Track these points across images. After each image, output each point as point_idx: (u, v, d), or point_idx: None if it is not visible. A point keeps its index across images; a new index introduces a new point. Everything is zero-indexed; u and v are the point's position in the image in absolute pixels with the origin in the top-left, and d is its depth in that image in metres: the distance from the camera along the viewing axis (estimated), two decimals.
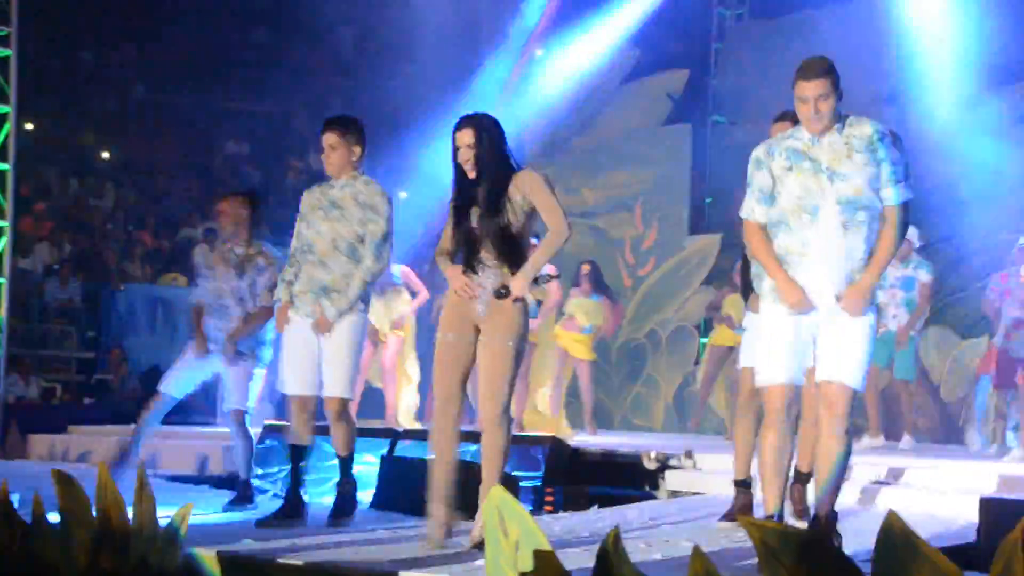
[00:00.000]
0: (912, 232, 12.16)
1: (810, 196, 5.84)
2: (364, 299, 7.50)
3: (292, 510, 7.44)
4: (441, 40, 18.57)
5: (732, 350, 12.92)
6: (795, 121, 6.53)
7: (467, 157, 6.28)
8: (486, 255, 6.30)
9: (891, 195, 5.86)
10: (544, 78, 19.04)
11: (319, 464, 8.71)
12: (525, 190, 6.28)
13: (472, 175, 6.31)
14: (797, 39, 15.71)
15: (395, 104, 20.95)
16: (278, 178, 23.42)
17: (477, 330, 6.36)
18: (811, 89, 5.83)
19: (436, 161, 19.09)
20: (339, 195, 7.45)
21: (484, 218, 6.28)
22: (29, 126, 20.53)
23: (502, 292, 6.27)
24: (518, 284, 6.24)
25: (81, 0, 22.52)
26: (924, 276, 12.16)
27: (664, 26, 18.03)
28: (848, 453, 5.94)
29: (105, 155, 22.99)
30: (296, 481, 7.57)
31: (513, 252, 6.33)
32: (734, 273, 13.22)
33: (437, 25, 18.46)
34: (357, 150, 7.48)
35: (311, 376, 7.49)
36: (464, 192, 6.38)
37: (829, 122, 5.86)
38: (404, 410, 12.74)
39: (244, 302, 8.82)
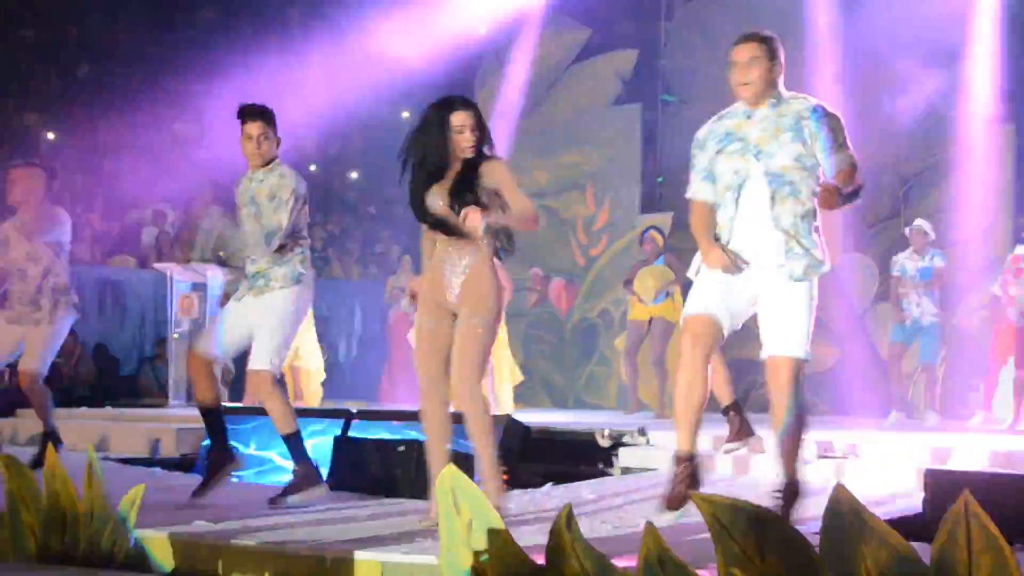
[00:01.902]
0: (926, 224, 12.81)
1: (738, 176, 5.95)
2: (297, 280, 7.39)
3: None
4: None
5: (650, 323, 13.15)
6: None
7: (470, 141, 6.28)
8: (453, 240, 6.31)
9: (835, 162, 5.93)
10: (494, 58, 19.08)
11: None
12: (494, 178, 6.31)
13: (468, 156, 6.30)
14: (746, 19, 15.78)
15: (344, 84, 20.91)
16: (228, 158, 23.25)
17: (454, 315, 6.38)
18: (741, 52, 5.94)
19: (386, 140, 19.09)
20: (257, 188, 7.41)
21: (455, 203, 6.22)
22: None
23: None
24: (475, 214, 6.06)
25: None
26: (939, 263, 12.97)
27: (614, 6, 18.08)
28: (800, 422, 6.01)
29: (50, 136, 22.81)
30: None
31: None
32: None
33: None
34: (278, 140, 7.45)
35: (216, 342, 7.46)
36: (436, 173, 6.33)
37: (761, 90, 5.95)
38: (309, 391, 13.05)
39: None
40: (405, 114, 21.48)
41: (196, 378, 7.49)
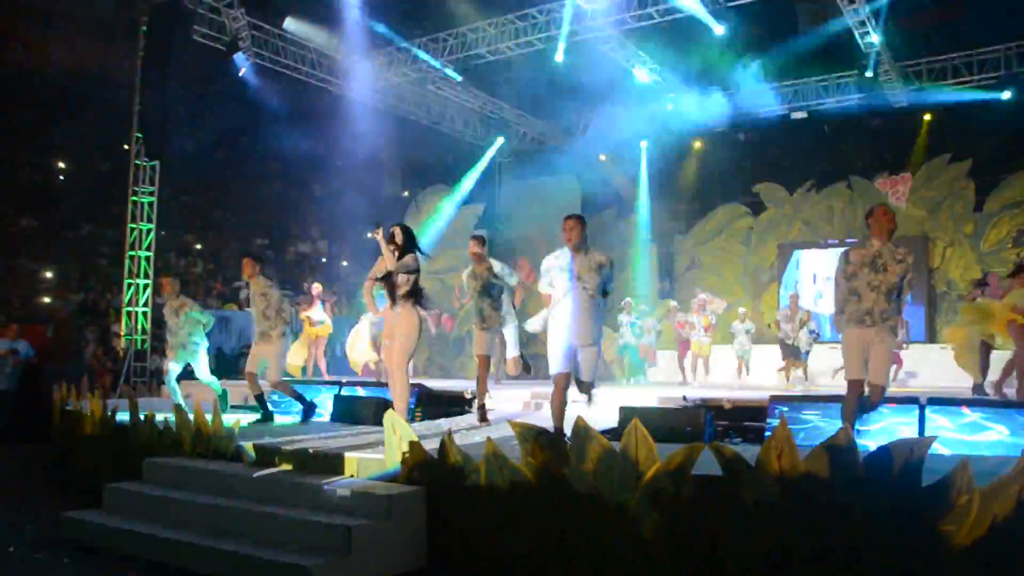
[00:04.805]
0: None
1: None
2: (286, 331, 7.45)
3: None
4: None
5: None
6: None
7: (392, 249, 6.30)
8: (399, 294, 6.31)
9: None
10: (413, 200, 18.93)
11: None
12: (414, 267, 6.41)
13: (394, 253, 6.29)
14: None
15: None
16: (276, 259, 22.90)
17: None
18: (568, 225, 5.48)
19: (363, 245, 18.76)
20: (255, 295, 7.47)
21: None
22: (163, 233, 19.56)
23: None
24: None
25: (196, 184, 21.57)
26: None
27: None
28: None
29: (198, 246, 22.03)
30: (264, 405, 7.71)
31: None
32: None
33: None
34: (258, 267, 7.45)
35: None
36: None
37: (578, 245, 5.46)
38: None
39: None
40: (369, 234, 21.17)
41: (248, 382, 7.56)
